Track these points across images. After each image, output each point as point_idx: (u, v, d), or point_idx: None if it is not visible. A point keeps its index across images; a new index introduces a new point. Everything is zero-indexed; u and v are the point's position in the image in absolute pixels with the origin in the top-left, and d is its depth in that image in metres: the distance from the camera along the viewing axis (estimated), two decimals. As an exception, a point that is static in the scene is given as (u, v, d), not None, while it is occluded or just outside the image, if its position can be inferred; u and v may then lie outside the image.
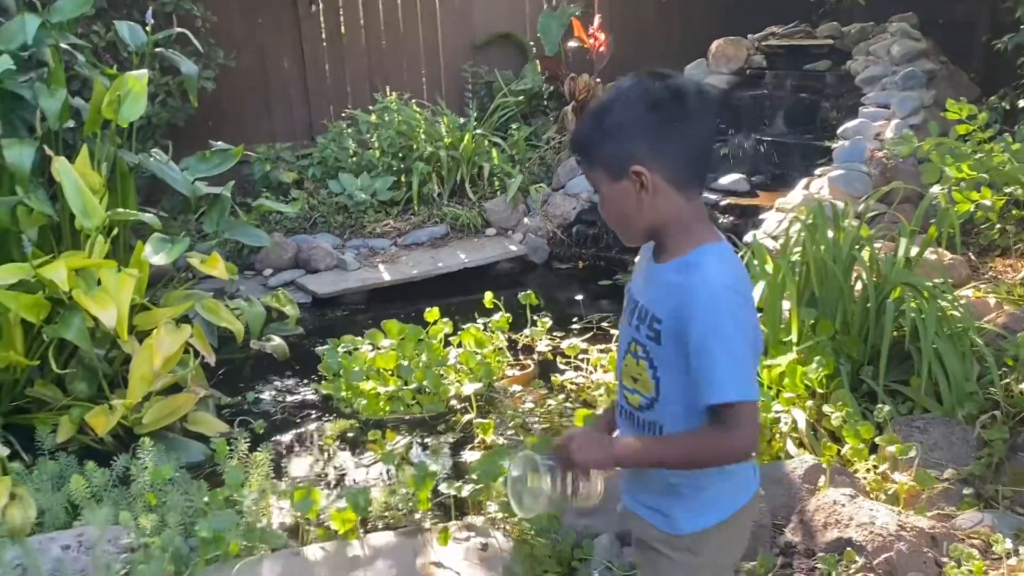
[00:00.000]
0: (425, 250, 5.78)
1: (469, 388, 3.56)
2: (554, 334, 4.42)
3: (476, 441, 3.39)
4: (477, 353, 3.95)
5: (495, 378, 3.84)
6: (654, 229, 1.46)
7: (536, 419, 3.56)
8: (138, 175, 4.53)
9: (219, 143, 4.69)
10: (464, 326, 4.15)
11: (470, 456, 3.28)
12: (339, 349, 3.95)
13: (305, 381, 4.06)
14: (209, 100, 6.21)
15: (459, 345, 4.08)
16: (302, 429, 3.63)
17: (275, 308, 4.21)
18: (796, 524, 2.48)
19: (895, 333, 3.22)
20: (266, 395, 3.93)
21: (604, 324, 4.59)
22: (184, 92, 6.14)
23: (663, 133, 1.37)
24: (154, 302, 4.13)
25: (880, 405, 2.83)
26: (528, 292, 4.32)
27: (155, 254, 3.55)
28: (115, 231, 3.79)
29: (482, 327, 4.18)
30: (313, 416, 3.72)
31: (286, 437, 3.57)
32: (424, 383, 3.67)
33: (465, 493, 2.74)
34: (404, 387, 3.66)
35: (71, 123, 4.19)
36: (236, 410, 3.78)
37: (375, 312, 5.10)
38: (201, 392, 3.49)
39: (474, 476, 2.69)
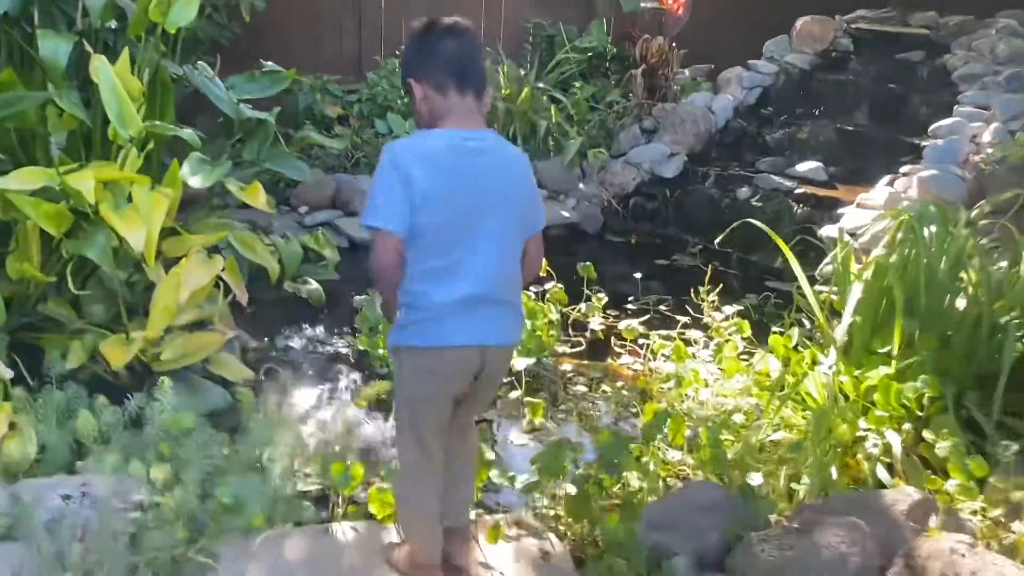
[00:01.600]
0: (471, 205, 5.42)
1: (520, 363, 3.22)
2: (607, 312, 4.07)
3: (524, 423, 3.07)
4: (527, 323, 3.61)
5: (545, 353, 3.50)
6: (432, 121, 1.89)
7: (590, 404, 3.23)
8: (177, 90, 4.18)
9: (269, 63, 4.33)
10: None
11: (517, 438, 2.96)
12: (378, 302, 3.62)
13: (338, 332, 3.73)
14: (256, 22, 5.82)
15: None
16: (333, 384, 3.31)
17: (313, 249, 3.87)
18: (901, 569, 2.14)
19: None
20: (295, 343, 3.61)
21: (663, 308, 4.24)
22: (232, 8, 5.78)
23: (421, 53, 1.90)
24: (184, 227, 3.81)
25: (1007, 442, 2.47)
26: (587, 264, 3.97)
27: (192, 175, 3.21)
28: (149, 145, 3.44)
29: (533, 296, 3.84)
30: (345, 372, 3.40)
31: (314, 392, 3.25)
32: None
33: (518, 485, 2.42)
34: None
35: (113, 23, 3.83)
36: (262, 355, 3.46)
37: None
38: (229, 333, 3.17)
39: (533, 467, 2.37)
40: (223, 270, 3.23)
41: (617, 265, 5.12)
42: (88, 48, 3.20)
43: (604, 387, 3.38)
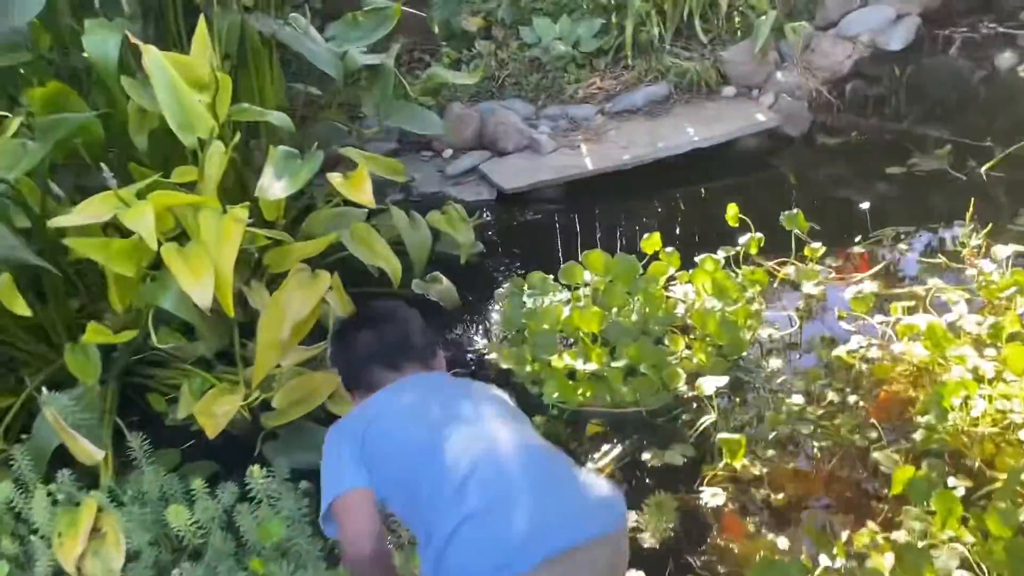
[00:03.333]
0: (641, 120, 4.48)
1: (709, 383, 2.41)
2: (827, 262, 3.11)
3: (720, 466, 2.29)
4: (718, 306, 2.78)
5: (744, 353, 2.66)
6: None
7: (813, 432, 2.39)
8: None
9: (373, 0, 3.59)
10: (698, 257, 2.97)
11: (711, 499, 2.20)
12: (524, 296, 2.92)
13: (481, 330, 3.07)
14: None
15: (689, 282, 2.93)
16: None
17: (444, 232, 3.20)
18: None
19: None
20: None
21: (903, 247, 3.19)
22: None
23: (344, 361, 1.76)
24: (297, 221, 3.28)
25: None
26: (795, 212, 3.00)
27: (276, 180, 2.61)
28: (236, 137, 2.87)
29: (723, 261, 2.97)
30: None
31: None
32: (640, 365, 2.57)
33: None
34: (611, 364, 2.58)
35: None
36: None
37: (575, 211, 3.99)
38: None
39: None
40: (330, 289, 2.66)
41: (834, 178, 4.03)
42: (132, 39, 2.61)
43: (828, 394, 2.51)
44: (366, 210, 3.22)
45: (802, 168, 4.10)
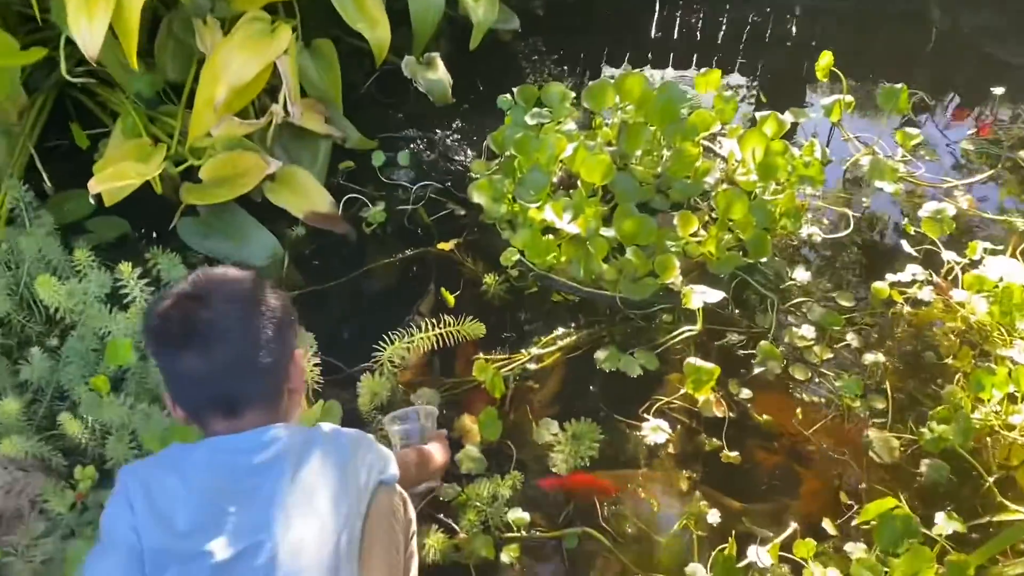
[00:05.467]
0: None
1: (698, 296, 1.93)
2: (923, 147, 2.46)
3: (679, 393, 1.88)
4: (758, 187, 2.21)
5: (765, 257, 2.13)
6: None
7: (808, 380, 1.93)
8: None
9: None
10: (761, 112, 2.34)
11: (651, 434, 1.81)
12: (528, 114, 2.36)
13: (475, 136, 2.55)
14: None
15: (739, 139, 2.33)
16: (422, 252, 2.24)
17: (460, 2, 2.56)
18: None
19: None
20: (411, 149, 2.49)
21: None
22: None
23: (164, 372, 1.17)
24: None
25: None
26: (897, 88, 2.29)
27: None
28: None
29: (788, 123, 2.34)
30: (456, 221, 2.30)
31: (388, 253, 2.23)
32: (632, 244, 2.07)
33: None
34: (599, 232, 2.08)
35: None
36: (361, 163, 2.44)
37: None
38: (271, 165, 2.17)
39: None
40: (285, 52, 2.14)
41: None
42: None
43: (850, 337, 2.01)
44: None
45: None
